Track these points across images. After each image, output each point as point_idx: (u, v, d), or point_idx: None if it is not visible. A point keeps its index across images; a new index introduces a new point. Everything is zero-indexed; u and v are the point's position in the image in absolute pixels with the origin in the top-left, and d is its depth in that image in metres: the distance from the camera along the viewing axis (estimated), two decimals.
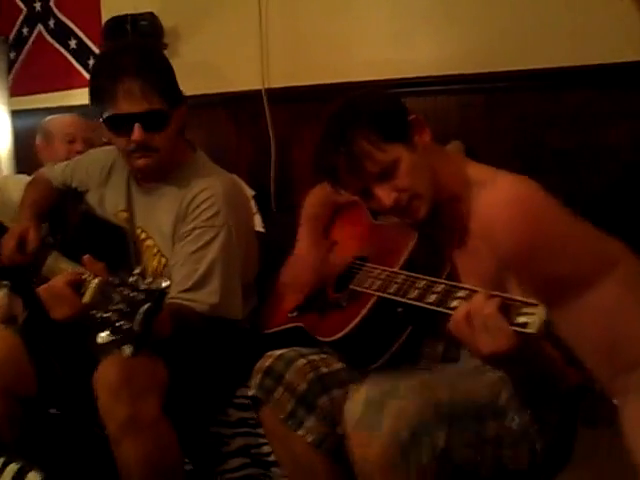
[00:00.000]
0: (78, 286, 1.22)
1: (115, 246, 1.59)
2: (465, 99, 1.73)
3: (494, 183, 1.15)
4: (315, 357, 1.34)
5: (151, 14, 2.41)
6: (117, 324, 1.03)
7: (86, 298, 1.17)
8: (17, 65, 3.06)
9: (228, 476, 1.57)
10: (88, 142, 2.25)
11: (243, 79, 2.25)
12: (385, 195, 1.19)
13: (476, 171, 1.21)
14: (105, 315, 1.05)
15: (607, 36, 1.58)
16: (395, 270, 1.20)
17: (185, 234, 1.46)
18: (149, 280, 1.07)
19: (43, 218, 1.72)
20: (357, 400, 1.09)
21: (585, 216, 1.13)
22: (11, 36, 3.06)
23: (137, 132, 1.40)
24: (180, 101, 1.48)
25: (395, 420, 1.03)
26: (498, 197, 1.11)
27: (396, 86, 1.78)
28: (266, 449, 1.49)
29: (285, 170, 2.20)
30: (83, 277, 1.22)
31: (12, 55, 3.08)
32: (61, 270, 1.44)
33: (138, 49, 1.48)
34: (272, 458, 1.47)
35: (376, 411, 1.05)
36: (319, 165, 1.26)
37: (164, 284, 1.06)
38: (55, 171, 1.80)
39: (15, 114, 3.03)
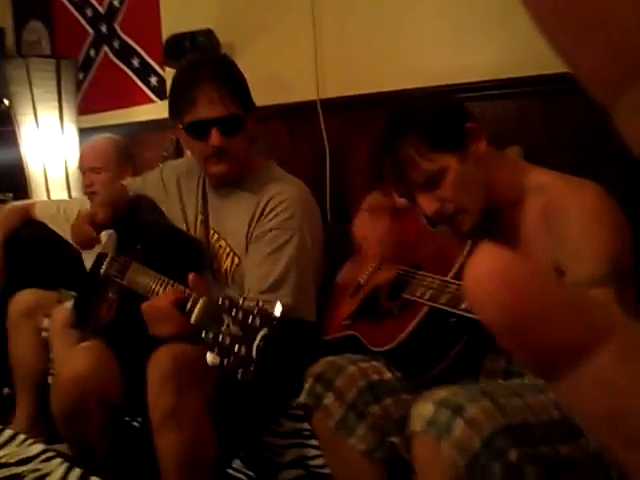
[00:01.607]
0: (182, 304, 1.23)
1: (194, 259, 1.61)
2: (522, 103, 1.67)
3: (557, 186, 1.12)
4: (366, 365, 1.33)
5: (209, 30, 2.47)
6: (231, 348, 1.03)
7: (194, 319, 1.17)
8: (85, 85, 3.21)
9: None
10: (94, 170, 2.26)
11: (298, 90, 2.27)
12: (427, 204, 1.17)
13: (538, 176, 1.18)
14: (217, 337, 1.05)
15: None
16: (447, 279, 1.17)
17: (261, 235, 1.49)
18: (256, 304, 1.07)
19: (118, 216, 1.75)
20: (429, 400, 1.04)
21: None
22: (79, 58, 3.21)
23: (215, 136, 1.46)
24: (253, 108, 1.53)
25: (468, 427, 0.99)
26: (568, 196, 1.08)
27: (450, 92, 1.74)
28: (320, 461, 1.48)
29: (341, 180, 2.19)
30: (187, 294, 1.23)
31: (80, 76, 3.23)
32: (146, 281, 1.47)
33: (214, 59, 1.59)
34: (327, 470, 1.46)
35: (448, 415, 1.00)
36: (372, 164, 1.26)
37: (278, 310, 1.05)
38: (129, 183, 1.89)
39: (83, 132, 3.17)
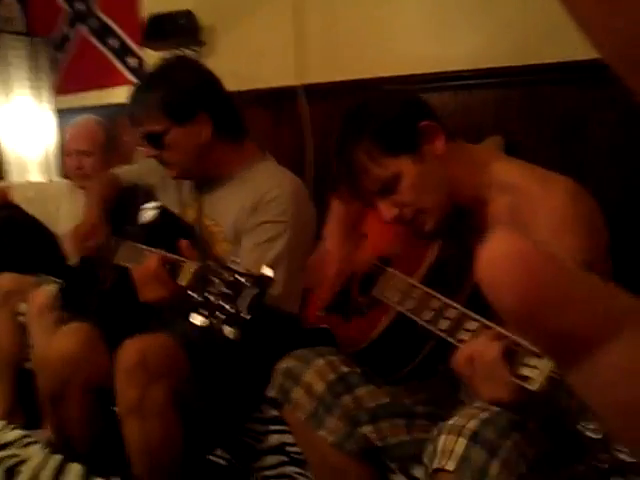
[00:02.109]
0: (172, 270, 1.23)
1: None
2: (502, 93, 1.68)
3: (525, 184, 1.08)
4: (335, 357, 1.32)
5: (188, 12, 2.43)
6: (219, 306, 1.03)
7: (183, 280, 1.17)
8: (61, 65, 3.14)
9: (265, 473, 1.58)
10: (83, 153, 2.23)
11: (279, 76, 2.25)
12: (385, 211, 1.15)
13: (505, 172, 1.13)
14: (205, 297, 1.05)
15: None
16: (414, 283, 1.14)
17: (254, 227, 1.50)
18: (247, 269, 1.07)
19: (109, 207, 1.76)
20: (457, 433, 0.97)
21: (628, 212, 1.08)
22: (55, 36, 3.14)
23: (145, 150, 1.56)
24: (192, 115, 1.52)
25: (503, 468, 0.92)
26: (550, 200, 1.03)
27: (433, 80, 1.75)
28: None
29: (323, 167, 2.19)
30: (177, 259, 1.22)
31: (56, 55, 3.16)
32: (141, 253, 1.46)
33: (156, 70, 1.60)
34: None
35: (484, 456, 0.93)
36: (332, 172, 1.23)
37: (268, 272, 1.05)
38: (124, 172, 1.89)
39: (62, 113, 3.12)
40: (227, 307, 1.01)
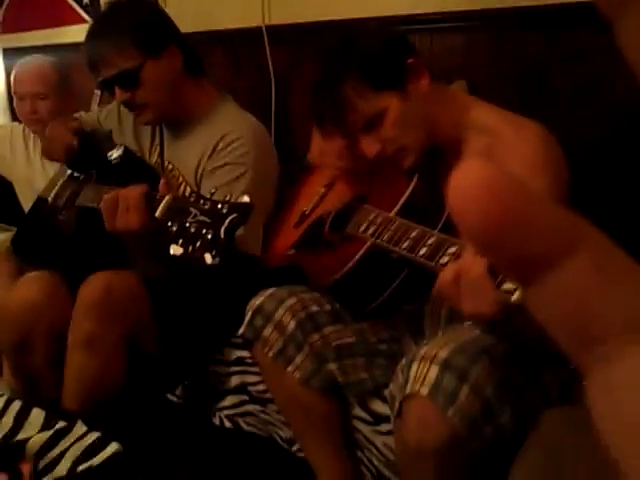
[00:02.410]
0: (149, 202, 1.18)
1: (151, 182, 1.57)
2: (470, 37, 1.68)
3: (500, 128, 1.12)
4: (307, 295, 1.34)
5: None
6: (197, 234, 1.01)
7: (159, 212, 1.13)
8: (7, 0, 2.97)
9: (226, 412, 1.60)
10: (38, 96, 2.11)
11: (242, 16, 2.18)
12: (368, 146, 1.16)
13: (482, 114, 1.17)
14: (182, 227, 1.02)
15: None
16: (390, 216, 1.17)
17: (216, 169, 1.48)
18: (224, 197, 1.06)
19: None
20: (431, 360, 0.99)
21: (584, 160, 1.11)
22: None
23: (117, 94, 1.47)
24: (164, 46, 1.47)
25: (472, 393, 0.97)
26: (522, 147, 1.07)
27: (401, 23, 1.72)
28: (263, 387, 1.51)
29: (285, 111, 2.15)
30: (154, 193, 1.18)
31: None
32: (102, 195, 1.41)
33: (114, 7, 1.52)
34: (268, 395, 1.49)
35: (454, 381, 0.97)
36: (310, 110, 1.24)
37: (246, 198, 1.04)
38: (84, 117, 1.86)
39: (8, 52, 2.96)
40: (206, 234, 1.00)
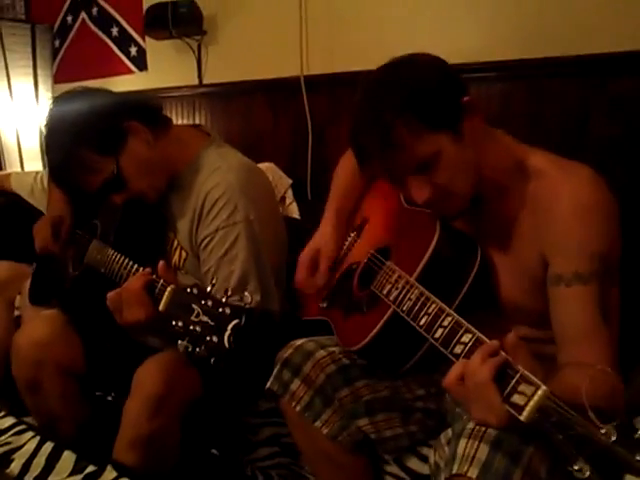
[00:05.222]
0: (150, 289, 1.18)
1: (156, 238, 1.57)
2: (506, 86, 1.67)
3: (549, 171, 1.06)
4: (336, 349, 1.29)
5: (191, 1, 2.41)
6: (203, 336, 1.01)
7: (162, 306, 1.12)
8: (61, 53, 3.12)
9: (258, 464, 1.58)
10: None
11: (281, 66, 2.23)
12: (418, 189, 1.06)
13: (534, 159, 1.09)
14: (187, 326, 1.03)
15: None
16: (411, 281, 1.09)
17: (209, 237, 1.43)
18: (224, 292, 1.04)
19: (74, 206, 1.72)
20: (479, 439, 0.91)
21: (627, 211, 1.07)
22: (56, 24, 3.12)
23: (116, 200, 1.44)
24: (124, 134, 1.40)
25: (526, 476, 0.88)
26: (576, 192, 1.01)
27: None
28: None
29: (322, 158, 2.18)
30: (155, 279, 1.18)
31: (56, 43, 3.14)
32: (109, 262, 1.43)
33: (65, 111, 1.41)
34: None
35: (506, 463, 0.88)
36: (351, 141, 1.10)
37: (247, 300, 1.02)
38: None
39: None
40: (210, 339, 1.00)
